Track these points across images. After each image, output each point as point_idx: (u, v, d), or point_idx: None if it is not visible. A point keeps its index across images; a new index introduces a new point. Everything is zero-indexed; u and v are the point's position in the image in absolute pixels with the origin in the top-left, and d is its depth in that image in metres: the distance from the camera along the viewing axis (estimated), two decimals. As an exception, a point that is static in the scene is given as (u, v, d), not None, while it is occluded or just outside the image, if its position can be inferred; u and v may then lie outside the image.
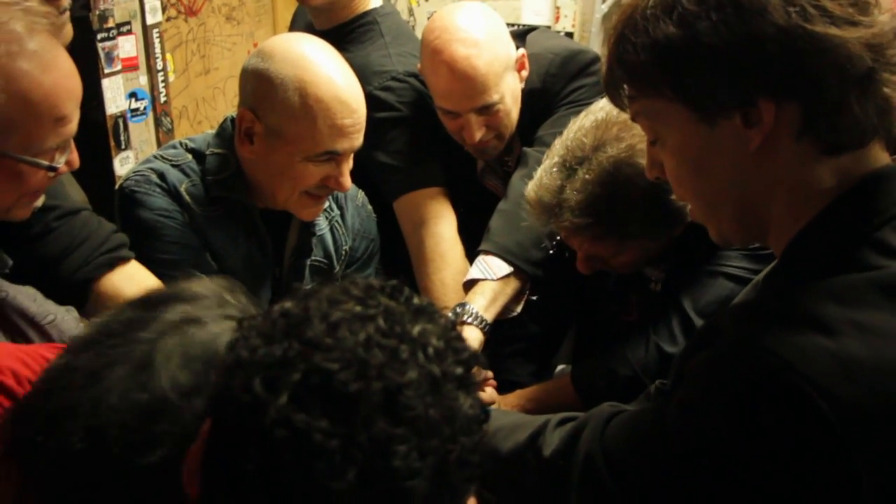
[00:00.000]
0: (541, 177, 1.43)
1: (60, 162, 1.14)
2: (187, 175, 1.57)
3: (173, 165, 1.57)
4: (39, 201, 1.21)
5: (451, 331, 0.72)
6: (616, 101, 0.99)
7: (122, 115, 2.74)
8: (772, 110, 0.85)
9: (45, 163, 1.11)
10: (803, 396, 0.78)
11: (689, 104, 0.89)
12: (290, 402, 0.63)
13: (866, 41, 0.83)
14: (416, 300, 0.73)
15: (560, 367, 2.02)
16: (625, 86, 0.95)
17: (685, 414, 0.89)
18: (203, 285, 0.92)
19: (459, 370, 0.69)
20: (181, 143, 1.63)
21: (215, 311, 0.88)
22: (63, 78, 1.10)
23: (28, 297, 1.20)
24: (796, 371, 0.78)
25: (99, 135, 2.67)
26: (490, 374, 1.53)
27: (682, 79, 0.88)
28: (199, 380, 0.81)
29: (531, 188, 1.44)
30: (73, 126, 1.13)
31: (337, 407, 0.63)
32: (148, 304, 0.89)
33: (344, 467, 0.62)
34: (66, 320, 1.22)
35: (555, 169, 1.40)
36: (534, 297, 1.65)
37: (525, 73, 1.76)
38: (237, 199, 1.58)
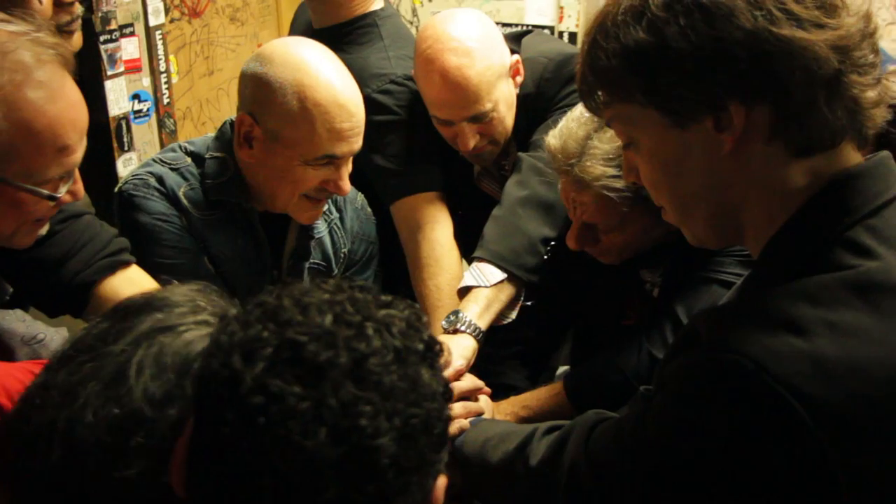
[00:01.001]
0: (567, 125, 1.43)
1: (62, 191, 1.15)
2: (186, 179, 1.58)
3: (172, 169, 1.58)
4: (44, 229, 1.22)
5: (413, 316, 0.77)
6: (591, 106, 1.00)
7: (125, 117, 2.75)
8: (742, 114, 0.86)
9: (46, 192, 1.12)
10: (777, 397, 0.78)
11: (661, 109, 0.90)
12: (265, 371, 0.69)
13: (832, 43, 0.84)
14: (381, 295, 0.78)
15: (562, 370, 2.03)
16: (599, 92, 0.96)
17: (662, 419, 0.90)
18: (176, 292, 0.92)
19: (421, 346, 0.75)
20: (180, 147, 1.64)
21: (189, 319, 0.89)
22: (68, 108, 1.11)
23: (17, 318, 1.22)
24: (769, 372, 0.79)
25: (102, 136, 2.68)
26: (483, 384, 1.53)
27: (652, 84, 0.89)
28: (172, 389, 0.82)
29: (554, 135, 1.44)
30: (77, 156, 1.14)
31: (308, 374, 0.69)
32: (121, 314, 0.90)
33: (315, 427, 0.67)
34: (56, 340, 1.23)
35: (584, 119, 1.41)
36: (529, 303, 1.66)
37: (520, 80, 1.76)
38: (236, 203, 1.59)
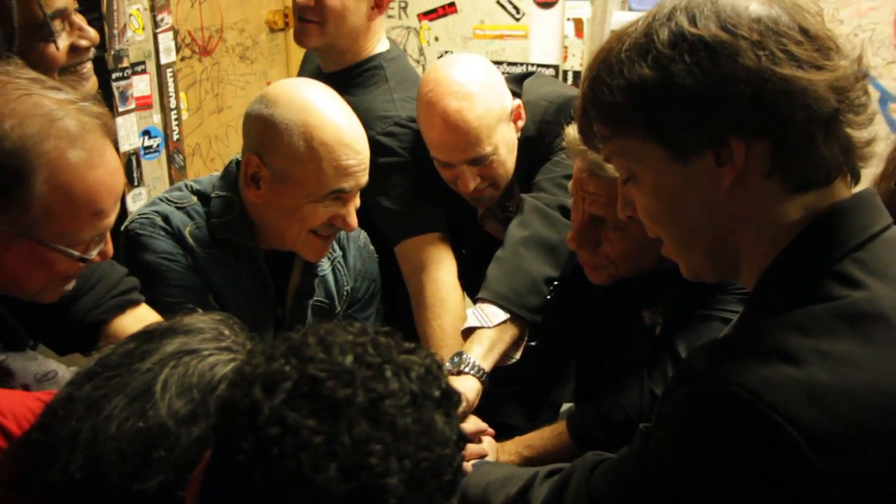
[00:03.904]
0: None
1: (93, 253, 1.18)
2: (192, 217, 1.60)
3: (178, 208, 1.60)
4: (70, 285, 1.25)
5: (433, 363, 0.78)
6: (589, 141, 1.02)
7: (136, 153, 2.78)
8: (742, 149, 0.88)
9: (78, 254, 1.15)
10: (773, 425, 0.80)
11: (664, 144, 0.91)
12: (283, 403, 0.70)
13: (830, 83, 0.87)
14: (404, 342, 0.79)
15: (566, 407, 2.03)
16: (599, 127, 0.97)
17: (661, 453, 0.91)
18: (201, 320, 0.95)
19: (437, 393, 0.76)
20: (186, 185, 1.66)
21: (213, 344, 0.91)
22: (107, 175, 1.14)
23: (28, 357, 1.23)
24: (764, 400, 0.80)
25: (112, 172, 2.71)
26: (486, 425, 1.53)
27: (656, 119, 0.90)
28: (196, 408, 0.85)
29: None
30: (110, 220, 1.18)
31: (324, 409, 0.70)
32: (147, 337, 0.93)
33: (326, 462, 0.68)
34: (68, 377, 1.25)
35: None
36: (532, 343, 1.66)
37: (521, 123, 1.78)
38: (241, 242, 1.60)
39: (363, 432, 0.70)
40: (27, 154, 1.05)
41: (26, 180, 1.06)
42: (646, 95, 0.90)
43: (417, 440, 0.72)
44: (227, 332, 0.94)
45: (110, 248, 1.22)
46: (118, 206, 1.19)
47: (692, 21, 0.88)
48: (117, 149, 2.67)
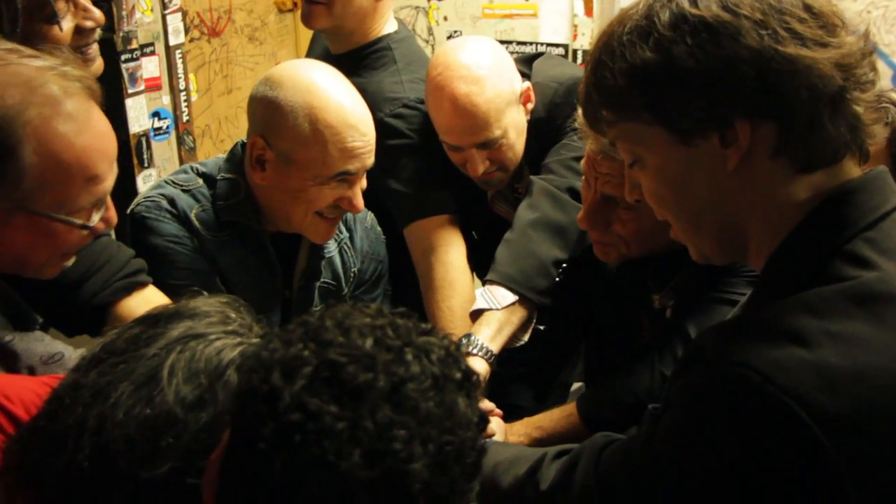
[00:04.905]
0: None
1: (95, 220, 1.16)
2: (198, 200, 1.59)
3: (184, 190, 1.59)
4: (70, 261, 1.24)
5: (451, 345, 0.78)
6: (594, 126, 1.01)
7: (146, 134, 2.79)
8: (747, 130, 0.87)
9: (79, 221, 1.14)
10: (784, 407, 0.79)
11: (668, 126, 0.91)
12: (304, 389, 0.69)
13: (836, 61, 0.86)
14: (421, 323, 0.79)
15: (576, 386, 2.03)
16: (603, 111, 0.97)
17: (671, 436, 0.90)
18: (206, 303, 0.94)
19: (458, 375, 0.75)
20: (192, 168, 1.66)
21: (219, 328, 0.90)
22: (96, 139, 1.12)
23: (35, 338, 1.23)
24: (775, 383, 0.80)
25: (122, 153, 2.71)
26: (494, 406, 1.53)
27: (659, 102, 0.90)
28: (203, 393, 0.84)
29: None
30: (107, 184, 1.15)
31: (346, 395, 0.69)
32: (152, 321, 0.92)
33: (350, 448, 0.67)
34: (75, 358, 1.25)
35: None
36: (541, 327, 1.65)
37: (531, 106, 1.77)
38: (247, 224, 1.60)
39: (386, 417, 0.69)
40: (11, 125, 1.03)
41: (14, 152, 1.04)
42: (648, 78, 0.89)
43: (441, 424, 0.71)
44: (233, 315, 0.93)
45: (113, 214, 1.21)
46: (114, 169, 1.17)
47: (693, 2, 0.87)
48: (126, 128, 2.70)
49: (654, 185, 0.97)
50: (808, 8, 0.87)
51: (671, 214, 0.99)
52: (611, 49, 0.92)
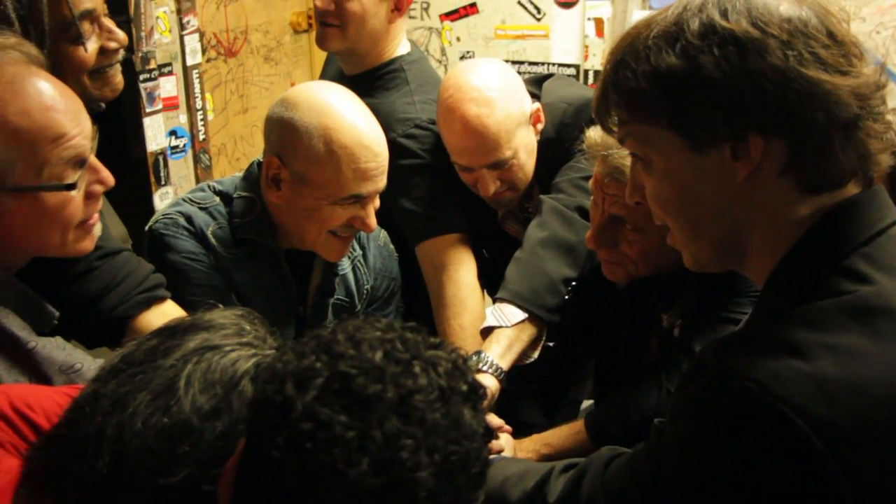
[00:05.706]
0: None
1: (75, 178, 1.14)
2: (214, 218, 1.62)
3: (201, 208, 1.62)
4: (97, 229, 1.23)
5: (459, 358, 0.80)
6: (604, 123, 1.02)
7: (163, 153, 2.83)
8: (760, 145, 0.89)
9: (62, 184, 1.12)
10: (783, 418, 0.81)
11: (682, 132, 0.92)
12: (315, 399, 0.72)
13: (853, 89, 0.88)
14: (430, 337, 0.81)
15: (587, 404, 2.03)
16: (617, 110, 0.98)
17: (674, 446, 0.92)
18: (222, 315, 0.97)
19: (465, 387, 0.78)
20: (209, 186, 1.68)
21: (234, 340, 0.93)
22: (50, 99, 1.12)
23: (57, 347, 1.24)
24: (774, 393, 0.81)
25: (140, 171, 2.76)
26: (503, 422, 1.54)
27: (679, 108, 0.91)
28: (219, 403, 0.87)
29: (595, 128, 1.43)
30: (78, 141, 1.14)
31: (355, 405, 0.72)
32: (169, 333, 0.94)
33: (359, 456, 0.70)
34: (93, 370, 1.27)
35: None
36: (551, 344, 1.67)
37: (540, 126, 1.79)
38: (262, 241, 1.63)
39: (394, 427, 0.71)
40: None
41: None
42: (671, 84, 0.90)
43: (447, 434, 0.73)
44: (247, 328, 0.96)
45: (107, 175, 1.20)
46: (82, 123, 1.15)
47: (724, 14, 0.88)
48: (144, 147, 2.74)
49: (659, 188, 0.98)
50: (831, 35, 0.88)
51: (672, 218, 1.00)
52: (636, 50, 0.93)
